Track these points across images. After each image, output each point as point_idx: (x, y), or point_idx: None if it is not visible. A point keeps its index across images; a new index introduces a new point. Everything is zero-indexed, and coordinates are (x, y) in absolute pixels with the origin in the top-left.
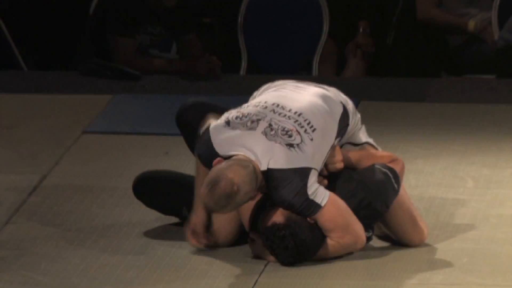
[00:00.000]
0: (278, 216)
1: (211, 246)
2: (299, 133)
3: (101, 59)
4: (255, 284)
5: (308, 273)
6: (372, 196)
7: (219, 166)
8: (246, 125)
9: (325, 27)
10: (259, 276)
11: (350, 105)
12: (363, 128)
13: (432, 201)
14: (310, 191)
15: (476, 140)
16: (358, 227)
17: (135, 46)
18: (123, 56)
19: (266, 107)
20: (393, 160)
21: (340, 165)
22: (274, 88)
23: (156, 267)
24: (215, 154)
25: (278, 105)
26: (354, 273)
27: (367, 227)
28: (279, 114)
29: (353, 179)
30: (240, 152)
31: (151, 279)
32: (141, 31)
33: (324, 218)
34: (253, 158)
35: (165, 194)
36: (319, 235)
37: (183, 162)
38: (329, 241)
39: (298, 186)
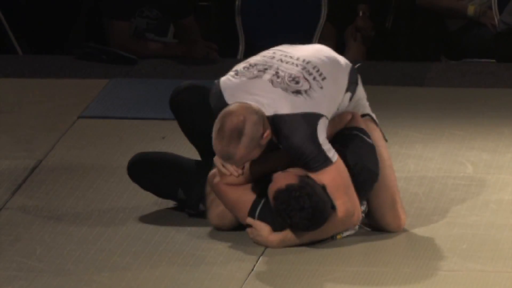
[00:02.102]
0: (290, 179)
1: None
2: (307, 79)
3: (97, 43)
4: (253, 269)
5: (306, 259)
6: (362, 159)
7: (220, 112)
8: (253, 74)
9: (324, 11)
10: (257, 261)
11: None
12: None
13: (432, 187)
14: (321, 139)
15: (475, 125)
16: (355, 198)
17: (130, 29)
18: (118, 39)
19: (273, 57)
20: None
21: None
22: (278, 46)
23: (153, 252)
24: (225, 104)
25: (285, 55)
26: (353, 260)
27: (363, 197)
28: (287, 62)
29: (344, 143)
30: (246, 99)
31: (148, 265)
32: (137, 15)
33: (331, 177)
34: (258, 104)
35: (160, 176)
36: (330, 199)
37: (180, 147)
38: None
39: (307, 131)
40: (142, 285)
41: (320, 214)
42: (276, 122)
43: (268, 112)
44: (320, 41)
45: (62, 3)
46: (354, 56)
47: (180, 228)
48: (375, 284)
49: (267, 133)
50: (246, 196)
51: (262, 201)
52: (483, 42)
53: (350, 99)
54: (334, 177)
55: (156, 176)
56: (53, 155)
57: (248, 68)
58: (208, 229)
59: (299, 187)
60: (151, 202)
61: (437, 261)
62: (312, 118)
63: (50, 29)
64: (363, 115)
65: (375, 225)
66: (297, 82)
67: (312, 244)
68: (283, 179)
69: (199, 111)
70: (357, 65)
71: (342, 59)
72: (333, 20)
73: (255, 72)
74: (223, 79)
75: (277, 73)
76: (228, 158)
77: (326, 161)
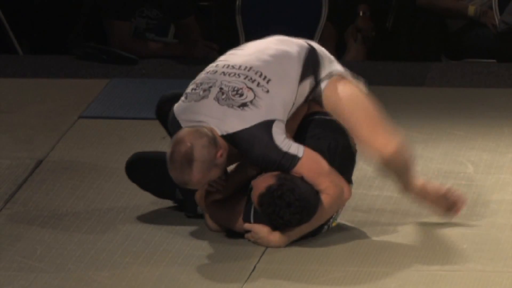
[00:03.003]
0: (268, 181)
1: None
2: (251, 89)
3: (97, 43)
4: (253, 270)
5: (307, 259)
6: (336, 136)
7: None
8: (199, 95)
9: (324, 11)
10: (258, 262)
11: (325, 52)
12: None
13: None
14: (279, 142)
15: (476, 125)
16: (339, 177)
17: (130, 29)
18: (118, 40)
19: (216, 71)
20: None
21: None
22: (233, 49)
23: (153, 252)
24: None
25: (228, 66)
26: (353, 260)
27: (348, 176)
28: (229, 74)
29: (308, 132)
30: (198, 122)
31: (149, 265)
32: (137, 15)
33: (306, 168)
34: (210, 125)
35: (158, 176)
36: (311, 186)
37: None
38: (321, 196)
39: (264, 141)
40: (142, 285)
41: (308, 203)
42: (231, 140)
43: (221, 132)
44: (321, 41)
45: (63, 3)
46: (354, 56)
47: (181, 228)
48: (375, 284)
49: (220, 152)
50: (236, 207)
51: (253, 204)
52: (484, 42)
53: (316, 80)
54: (309, 167)
55: (154, 176)
56: (53, 155)
57: (195, 89)
58: (207, 229)
59: (278, 185)
60: (151, 202)
61: (437, 261)
62: (264, 126)
63: (50, 29)
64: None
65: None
66: (241, 95)
67: (312, 243)
68: (261, 182)
69: None
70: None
71: (293, 48)
72: (334, 20)
73: (201, 93)
74: (176, 105)
75: (221, 89)
76: (185, 184)
77: (294, 159)
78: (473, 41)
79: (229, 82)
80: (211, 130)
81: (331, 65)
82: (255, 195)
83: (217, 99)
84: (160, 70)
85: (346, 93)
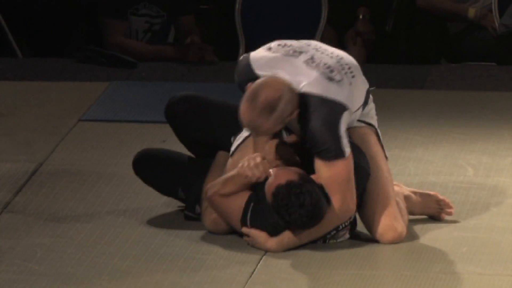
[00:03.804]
0: (290, 175)
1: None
2: (340, 72)
3: (97, 46)
4: (253, 273)
5: (306, 262)
6: (354, 155)
7: (256, 82)
8: (289, 53)
9: (324, 14)
10: (257, 265)
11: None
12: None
13: (432, 190)
14: (341, 130)
15: (476, 128)
16: (353, 195)
17: (125, 29)
18: (112, 39)
19: (309, 45)
20: None
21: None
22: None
23: (153, 256)
24: (254, 77)
25: (320, 46)
26: (353, 263)
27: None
28: (322, 52)
29: None
30: (278, 74)
31: (148, 268)
32: (131, 13)
33: (339, 170)
34: (292, 80)
35: (163, 173)
36: (328, 198)
37: (180, 150)
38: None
39: (331, 118)
40: None
41: (319, 212)
42: (306, 100)
43: (301, 89)
44: None
45: (62, 6)
46: (354, 59)
47: (180, 231)
48: (375, 287)
49: (295, 113)
50: (238, 205)
51: (251, 207)
52: (484, 45)
53: (365, 104)
54: (341, 171)
55: (159, 173)
56: (53, 158)
57: (283, 46)
58: (208, 232)
59: (300, 184)
60: (151, 205)
61: (437, 264)
62: (339, 108)
63: (50, 32)
64: (368, 124)
65: (369, 231)
66: (331, 71)
67: (311, 247)
68: (283, 175)
69: (194, 122)
70: (372, 88)
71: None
72: (334, 23)
73: (291, 52)
74: (253, 53)
75: (312, 58)
76: (252, 128)
77: (339, 154)
78: (473, 44)
79: (321, 57)
80: (294, 87)
81: (372, 108)
82: (272, 184)
83: (306, 62)
84: (160, 73)
85: (375, 156)
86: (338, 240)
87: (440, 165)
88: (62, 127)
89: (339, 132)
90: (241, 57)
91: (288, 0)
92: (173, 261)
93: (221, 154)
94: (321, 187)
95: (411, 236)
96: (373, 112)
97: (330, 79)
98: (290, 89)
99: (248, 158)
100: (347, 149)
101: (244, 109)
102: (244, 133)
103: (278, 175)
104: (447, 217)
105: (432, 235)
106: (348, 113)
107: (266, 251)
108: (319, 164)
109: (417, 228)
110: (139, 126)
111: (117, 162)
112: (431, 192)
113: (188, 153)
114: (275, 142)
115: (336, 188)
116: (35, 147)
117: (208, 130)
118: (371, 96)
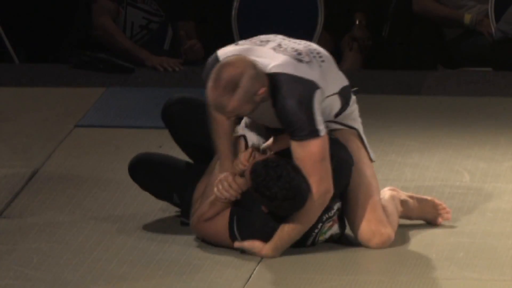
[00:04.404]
0: (267, 156)
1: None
2: (308, 55)
3: (93, 51)
4: (250, 278)
5: (303, 267)
6: (334, 148)
7: (219, 63)
8: (256, 43)
9: (320, 20)
10: (254, 270)
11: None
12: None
13: (428, 195)
14: (315, 108)
15: (472, 134)
16: (329, 176)
17: (116, 13)
18: (99, 20)
19: (276, 36)
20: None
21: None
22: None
23: (150, 262)
24: None
25: (288, 38)
26: (349, 268)
27: (341, 187)
28: (289, 40)
29: None
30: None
31: (145, 274)
32: (134, 4)
33: (314, 149)
34: (260, 62)
35: (159, 178)
36: (305, 179)
37: (177, 156)
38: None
39: (305, 95)
40: None
41: (298, 185)
42: (276, 80)
43: (270, 69)
44: None
45: (58, 11)
46: (350, 65)
47: (177, 237)
48: None
49: (262, 90)
50: (222, 225)
51: (234, 221)
52: (480, 51)
53: (342, 107)
54: (317, 151)
55: (155, 179)
56: (49, 164)
57: (250, 40)
58: None
59: (276, 160)
60: (147, 211)
61: (434, 270)
62: (310, 85)
63: (46, 38)
64: (351, 127)
65: (357, 239)
66: (299, 54)
67: (307, 252)
68: (259, 157)
69: (191, 123)
70: (355, 89)
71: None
72: (330, 29)
73: (258, 42)
74: (220, 49)
75: (279, 44)
76: (219, 108)
77: (313, 132)
78: (469, 49)
79: (288, 44)
80: (259, 65)
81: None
82: (250, 165)
83: (274, 49)
84: (157, 78)
85: (358, 161)
86: (327, 235)
87: (436, 171)
88: (58, 133)
89: (313, 109)
90: (213, 54)
91: (284, 5)
92: (169, 267)
93: (215, 159)
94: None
95: (407, 241)
96: (356, 114)
97: (299, 60)
98: (254, 65)
99: (219, 181)
100: (321, 127)
101: (209, 90)
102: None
103: (257, 158)
104: (443, 222)
105: (429, 241)
106: (320, 92)
107: (264, 257)
108: (293, 145)
109: (414, 233)
110: (135, 132)
111: (113, 167)
112: (429, 197)
113: (184, 158)
114: (248, 152)
115: (312, 168)
116: (31, 152)
117: (204, 132)
118: (353, 97)
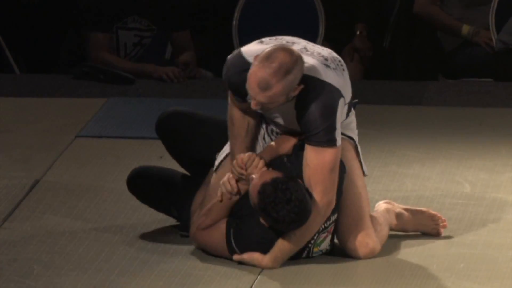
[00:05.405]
0: (275, 174)
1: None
2: (333, 62)
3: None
4: None
5: (303, 279)
6: None
7: (269, 48)
8: (281, 43)
9: (321, 30)
10: (255, 281)
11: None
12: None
13: (429, 206)
14: (337, 116)
15: (473, 144)
16: (334, 189)
17: (109, 41)
18: (94, 53)
19: (299, 38)
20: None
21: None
22: None
23: (150, 272)
24: (248, 67)
25: (310, 42)
26: (349, 280)
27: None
28: (313, 45)
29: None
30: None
31: (146, 285)
32: (119, 27)
33: (327, 159)
34: None
35: (156, 191)
36: (310, 195)
37: (177, 167)
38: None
39: (329, 102)
40: None
41: (305, 208)
42: (305, 82)
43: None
44: None
45: (58, 22)
46: (351, 75)
47: (178, 247)
48: None
49: (300, 87)
50: (219, 238)
51: (232, 234)
52: (481, 61)
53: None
54: (329, 160)
55: (153, 192)
56: (50, 174)
57: (275, 39)
58: None
59: (285, 180)
60: (148, 221)
61: (434, 281)
62: (337, 93)
63: (47, 48)
64: (348, 137)
65: (344, 250)
66: (326, 60)
67: (305, 263)
68: (267, 174)
69: (185, 136)
70: (355, 101)
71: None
72: (331, 39)
73: (284, 43)
74: (244, 47)
75: (305, 48)
76: (263, 86)
77: (331, 141)
78: (470, 60)
79: (314, 48)
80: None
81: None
82: (257, 183)
83: (300, 51)
84: (157, 89)
85: (350, 171)
86: (321, 247)
87: (437, 181)
88: (59, 143)
89: (335, 118)
90: (230, 55)
91: (285, 16)
92: (170, 278)
93: (212, 172)
94: (307, 189)
95: (408, 252)
96: (354, 125)
97: (327, 66)
98: (302, 59)
99: (222, 183)
100: (339, 138)
101: (256, 69)
102: (227, 148)
103: (262, 175)
104: (443, 233)
105: (429, 252)
106: (343, 101)
107: (261, 268)
108: (308, 149)
109: (413, 244)
110: (136, 143)
111: (114, 178)
112: (423, 209)
113: (182, 170)
114: (247, 156)
115: (320, 177)
116: (32, 163)
117: (198, 144)
118: (353, 110)
